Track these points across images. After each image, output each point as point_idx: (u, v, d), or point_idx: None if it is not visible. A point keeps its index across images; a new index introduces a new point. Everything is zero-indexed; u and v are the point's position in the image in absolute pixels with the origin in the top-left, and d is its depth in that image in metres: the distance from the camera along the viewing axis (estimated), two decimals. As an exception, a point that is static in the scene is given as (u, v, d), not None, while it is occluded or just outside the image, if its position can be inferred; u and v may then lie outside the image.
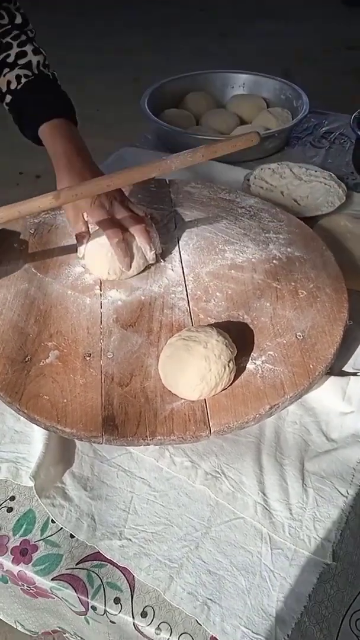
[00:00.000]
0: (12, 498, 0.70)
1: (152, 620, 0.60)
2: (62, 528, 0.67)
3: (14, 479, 0.72)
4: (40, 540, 0.66)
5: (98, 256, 0.84)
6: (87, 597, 0.62)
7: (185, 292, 0.83)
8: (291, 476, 0.72)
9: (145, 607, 0.61)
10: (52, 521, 0.68)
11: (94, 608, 0.62)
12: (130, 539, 0.66)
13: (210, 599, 0.61)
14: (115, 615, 0.61)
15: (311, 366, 0.73)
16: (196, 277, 0.86)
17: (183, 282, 0.85)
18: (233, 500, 0.69)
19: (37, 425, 0.70)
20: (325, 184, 1.15)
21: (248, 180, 1.17)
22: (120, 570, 0.64)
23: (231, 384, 0.70)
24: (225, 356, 0.68)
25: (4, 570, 0.67)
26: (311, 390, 0.75)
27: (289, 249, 0.90)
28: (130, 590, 0.62)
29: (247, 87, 1.48)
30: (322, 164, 1.30)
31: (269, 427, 0.75)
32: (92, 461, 0.73)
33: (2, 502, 0.70)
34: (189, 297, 0.83)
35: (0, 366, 0.73)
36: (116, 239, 0.81)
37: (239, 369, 0.72)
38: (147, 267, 0.87)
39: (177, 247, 0.91)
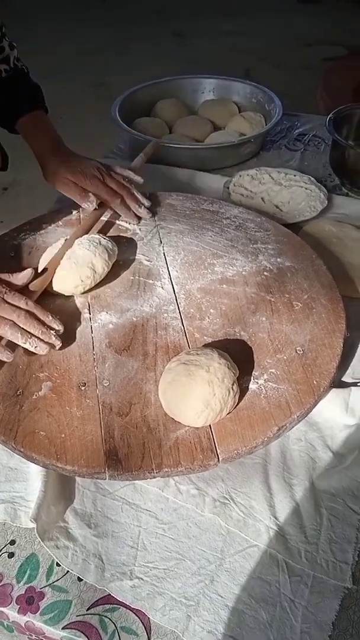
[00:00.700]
0: (13, 542, 0.67)
1: (173, 665, 0.57)
2: (68, 571, 0.64)
3: (12, 521, 0.68)
4: (46, 586, 0.63)
5: (64, 271, 0.82)
6: (102, 645, 0.59)
7: (178, 311, 0.80)
8: (302, 497, 0.69)
9: (165, 650, 0.58)
10: (58, 564, 0.64)
11: (109, 656, 0.59)
12: (141, 578, 0.63)
13: (232, 637, 0.58)
14: (133, 661, 0.58)
15: (315, 382, 0.71)
16: (187, 294, 0.83)
17: (175, 300, 0.82)
18: (245, 527, 0.67)
19: (35, 463, 0.66)
20: (305, 188, 1.14)
21: (228, 188, 1.15)
22: (134, 613, 0.61)
23: (235, 406, 0.67)
24: (229, 379, 0.65)
25: (10, 621, 0.63)
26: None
27: (279, 259, 0.88)
28: (147, 634, 0.59)
29: (218, 92, 1.46)
30: (299, 167, 1.29)
31: (274, 446, 0.73)
32: (94, 496, 0.70)
33: (2, 547, 0.66)
34: (182, 315, 0.80)
35: (-9, 403, 0.69)
36: (117, 199, 0.93)
37: (242, 389, 0.69)
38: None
39: (164, 263, 0.88)
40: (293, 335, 0.76)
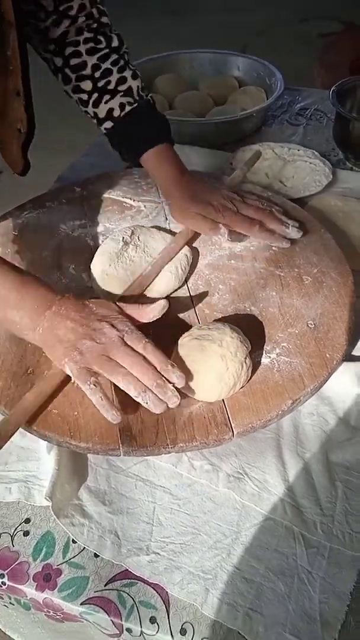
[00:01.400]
0: (27, 520, 0.66)
1: (193, 638, 0.57)
2: (84, 548, 0.63)
3: (26, 500, 0.68)
4: (63, 563, 0.63)
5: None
6: (121, 620, 0.59)
7: (187, 287, 0.80)
8: (316, 470, 0.69)
9: (184, 624, 0.58)
10: (74, 541, 0.64)
11: (129, 630, 0.59)
12: (158, 553, 0.63)
13: (251, 609, 0.58)
14: (153, 635, 0.58)
15: (327, 355, 0.70)
16: (196, 271, 0.82)
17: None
18: (259, 501, 0.67)
19: (49, 442, 0.66)
20: (310, 162, 1.12)
21: (231, 164, 1.13)
22: (152, 587, 0.61)
23: (249, 380, 0.67)
24: (242, 353, 0.65)
25: (27, 598, 0.63)
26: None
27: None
28: (166, 608, 0.59)
29: (217, 67, 1.43)
30: (302, 142, 1.27)
31: (286, 420, 0.73)
32: (108, 473, 0.70)
33: (17, 525, 0.66)
34: (191, 292, 0.79)
35: (1, 381, 0.68)
36: (255, 227, 0.83)
37: (254, 364, 0.69)
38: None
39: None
40: (304, 310, 0.76)
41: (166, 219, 0.91)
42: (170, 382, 0.61)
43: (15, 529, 0.66)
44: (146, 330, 0.69)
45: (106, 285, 0.77)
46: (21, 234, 0.89)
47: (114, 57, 0.88)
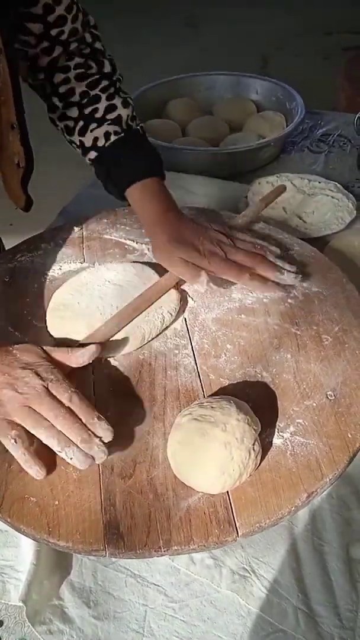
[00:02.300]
0: (0, 623, 0.58)
1: None
2: (63, 662, 0.55)
3: (0, 598, 0.59)
4: None
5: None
6: None
7: (190, 347, 0.71)
8: (334, 569, 0.60)
9: None
10: (51, 653, 0.55)
11: None
12: (148, 672, 0.54)
13: None
14: None
15: (349, 435, 0.61)
16: (202, 326, 0.73)
17: (187, 334, 0.73)
18: (268, 607, 0.58)
19: (24, 535, 0.57)
20: (332, 197, 1.03)
21: (246, 197, 1.05)
22: None
23: (257, 468, 0.58)
24: (249, 438, 0.56)
25: None
26: (349, 461, 0.63)
27: (304, 284, 0.78)
28: None
29: (234, 90, 1.36)
30: (323, 171, 1.18)
31: (301, 506, 0.63)
32: (94, 566, 0.61)
33: (-13, 628, 0.58)
34: (195, 352, 0.70)
35: None
36: (245, 275, 0.74)
37: (264, 445, 0.59)
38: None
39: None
40: (323, 377, 0.66)
41: (171, 264, 0.83)
42: (97, 437, 0.57)
43: (-14, 633, 0.57)
44: (152, 394, 0.65)
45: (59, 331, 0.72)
46: (12, 279, 0.81)
47: (105, 83, 0.83)
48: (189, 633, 0.56)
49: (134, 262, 0.82)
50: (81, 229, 0.89)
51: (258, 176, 1.10)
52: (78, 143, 0.84)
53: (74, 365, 0.63)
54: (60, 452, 0.56)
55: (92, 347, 0.63)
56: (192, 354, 0.70)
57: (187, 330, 0.73)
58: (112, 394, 0.66)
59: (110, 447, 0.57)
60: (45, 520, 0.55)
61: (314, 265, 0.81)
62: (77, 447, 0.56)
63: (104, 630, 0.57)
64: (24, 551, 0.62)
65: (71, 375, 0.63)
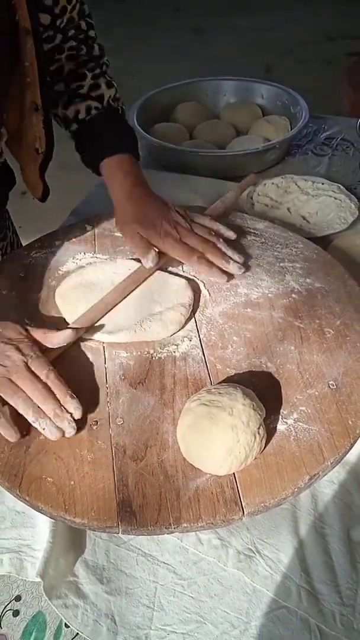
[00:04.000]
0: (18, 598, 0.61)
1: None
2: (78, 634, 0.58)
3: (18, 574, 0.62)
4: (53, 651, 0.57)
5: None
6: None
7: (198, 338, 0.74)
8: (336, 550, 0.63)
9: None
10: (66, 625, 0.59)
11: None
12: (158, 644, 0.57)
13: None
14: None
15: (350, 422, 0.64)
16: (209, 320, 0.76)
17: (195, 326, 0.76)
18: (272, 585, 0.60)
19: (42, 514, 0.60)
20: (335, 198, 1.07)
21: (251, 198, 1.08)
22: None
23: (262, 451, 0.61)
24: (255, 422, 0.59)
25: None
26: (350, 447, 0.66)
27: (307, 280, 0.81)
28: None
29: (240, 94, 1.39)
30: (327, 173, 1.21)
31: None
32: (107, 545, 0.64)
33: (6, 603, 0.61)
34: (202, 344, 0.73)
35: None
36: (194, 256, 0.80)
37: (269, 430, 0.63)
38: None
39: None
40: (325, 367, 0.69)
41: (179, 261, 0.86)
42: (68, 412, 0.62)
43: (5, 607, 0.60)
44: (162, 383, 0.68)
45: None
46: (27, 274, 0.84)
47: (91, 64, 0.89)
48: (197, 608, 0.59)
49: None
50: (93, 227, 0.93)
51: (263, 178, 1.13)
52: (61, 116, 0.90)
53: (50, 346, 0.68)
54: (34, 422, 0.61)
55: (67, 331, 0.68)
56: (199, 345, 0.73)
57: (195, 323, 0.76)
58: (124, 383, 0.69)
59: (123, 430, 0.61)
60: (61, 499, 0.58)
61: (317, 262, 0.84)
62: (50, 419, 0.61)
63: (116, 605, 0.60)
64: (40, 531, 0.65)
65: (52, 354, 0.68)
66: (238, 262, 0.81)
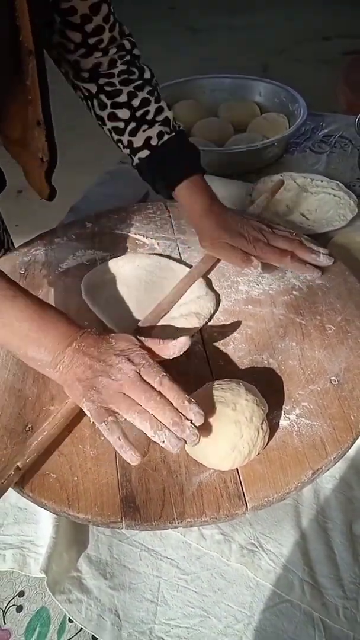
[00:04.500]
0: (22, 594, 0.61)
1: None
2: (82, 629, 0.58)
3: (21, 570, 0.62)
4: (57, 646, 0.57)
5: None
6: None
7: (200, 335, 0.74)
8: (338, 544, 0.63)
9: None
10: (70, 620, 0.59)
11: None
12: (162, 638, 0.57)
13: None
14: None
15: (352, 417, 0.64)
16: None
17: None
18: (275, 579, 0.61)
19: (46, 509, 0.60)
20: (334, 195, 1.07)
21: (250, 195, 1.08)
22: None
23: (265, 446, 0.61)
24: (258, 417, 0.59)
25: None
26: (352, 442, 0.66)
27: (308, 277, 0.81)
28: None
29: (238, 92, 1.39)
30: (325, 171, 1.21)
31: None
32: (110, 541, 0.64)
33: (10, 598, 0.61)
34: (204, 341, 0.74)
35: (-4, 439, 0.63)
36: (287, 257, 0.81)
37: (272, 426, 0.63)
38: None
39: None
40: (327, 363, 0.70)
41: (180, 257, 0.86)
42: (187, 419, 0.56)
43: (8, 603, 0.60)
44: None
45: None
46: (27, 272, 0.84)
47: (149, 88, 0.87)
48: (201, 603, 0.59)
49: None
50: (93, 224, 0.93)
51: (262, 175, 1.13)
52: (127, 143, 0.88)
53: (165, 356, 0.63)
54: (153, 436, 0.56)
55: (183, 339, 0.62)
56: (201, 342, 0.74)
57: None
58: (126, 379, 0.69)
59: (126, 426, 0.61)
60: (65, 494, 0.59)
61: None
62: (169, 430, 0.56)
63: (120, 600, 0.60)
64: (43, 527, 0.65)
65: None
66: (325, 254, 0.83)
